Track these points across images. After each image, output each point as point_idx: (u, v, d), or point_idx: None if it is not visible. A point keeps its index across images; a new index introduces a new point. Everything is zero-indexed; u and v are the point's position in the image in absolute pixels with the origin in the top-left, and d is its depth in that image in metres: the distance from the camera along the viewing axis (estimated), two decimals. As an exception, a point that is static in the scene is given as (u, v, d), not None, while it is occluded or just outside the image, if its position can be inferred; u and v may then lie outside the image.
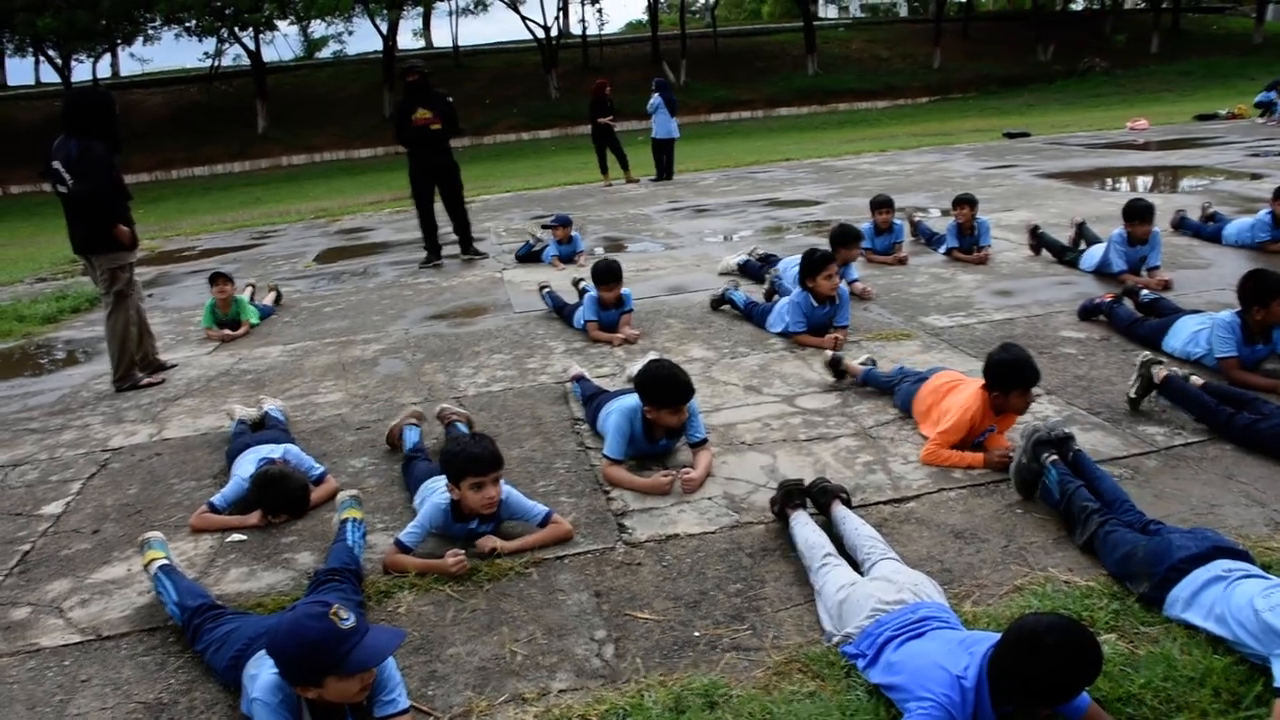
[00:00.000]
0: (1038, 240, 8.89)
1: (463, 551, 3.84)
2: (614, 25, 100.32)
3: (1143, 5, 53.61)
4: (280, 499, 4.45)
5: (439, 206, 11.13)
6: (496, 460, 3.94)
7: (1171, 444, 4.61)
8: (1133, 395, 5.01)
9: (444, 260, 11.24)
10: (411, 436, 5.10)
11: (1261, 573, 3.11)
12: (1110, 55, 45.72)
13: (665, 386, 4.52)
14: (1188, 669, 2.86)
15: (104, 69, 45.98)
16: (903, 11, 56.98)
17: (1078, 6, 53.88)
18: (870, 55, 48.53)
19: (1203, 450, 4.53)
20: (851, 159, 20.29)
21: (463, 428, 5.22)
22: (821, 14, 51.49)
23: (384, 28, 44.25)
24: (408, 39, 59.25)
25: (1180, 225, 9.44)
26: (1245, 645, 2.88)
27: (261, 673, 2.78)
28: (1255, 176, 12.95)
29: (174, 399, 6.73)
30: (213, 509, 4.49)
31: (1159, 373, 4.92)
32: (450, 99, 10.94)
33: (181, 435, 5.94)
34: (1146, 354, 5.12)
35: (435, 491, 4.12)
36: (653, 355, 5.70)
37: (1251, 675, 2.81)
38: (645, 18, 50.95)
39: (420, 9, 47.41)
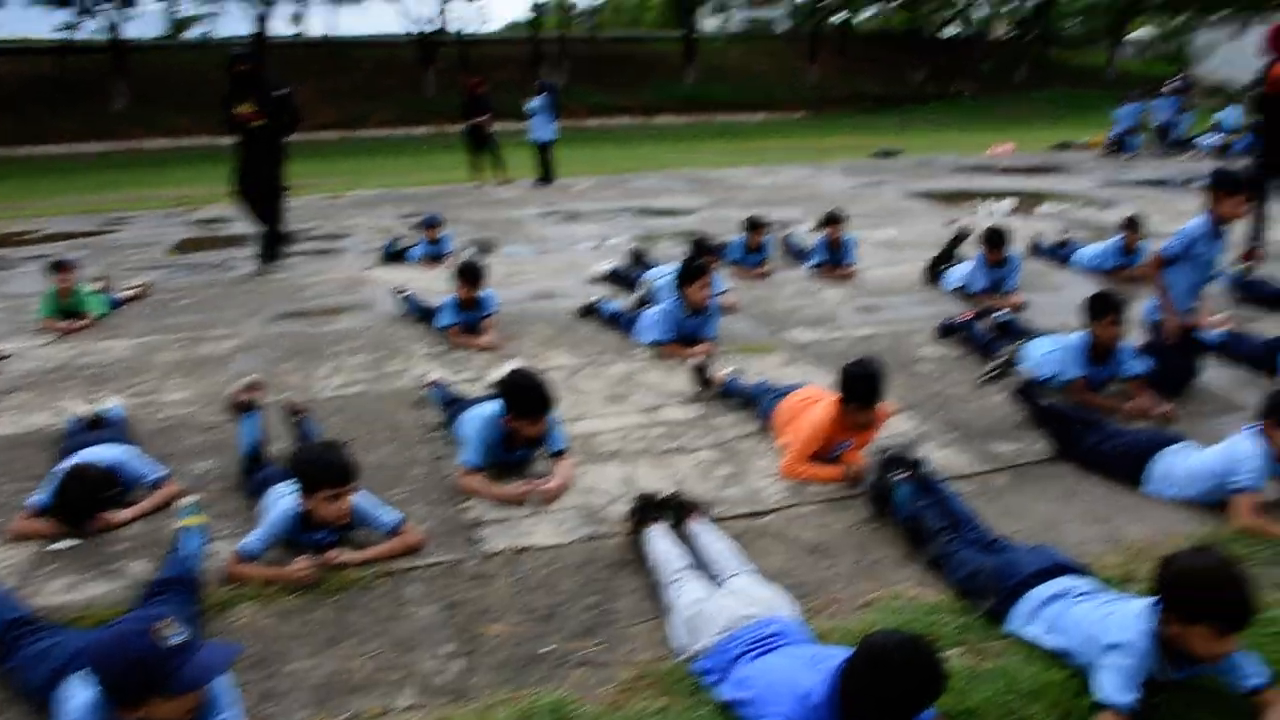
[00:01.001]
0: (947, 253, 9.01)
1: (310, 559, 3.72)
2: (495, 24, 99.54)
3: (1011, 35, 55.99)
4: (71, 503, 4.20)
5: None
6: (353, 471, 3.83)
7: (1019, 462, 4.78)
8: (985, 378, 5.17)
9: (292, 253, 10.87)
10: (249, 431, 4.76)
11: (1102, 590, 3.25)
12: (980, 81, 47.56)
13: (526, 396, 4.47)
14: (1027, 683, 2.96)
15: (-56, 35, 43.23)
16: (781, 27, 58.03)
17: (950, 33, 55.74)
18: (749, 68, 49.30)
19: (1048, 469, 4.72)
20: (726, 170, 20.55)
21: (313, 425, 5.04)
22: (702, 25, 51.97)
23: (257, 11, 42.91)
24: (282, 24, 57.44)
25: (1036, 250, 9.84)
26: (1080, 658, 3.00)
27: (80, 693, 2.62)
28: (1107, 205, 13.61)
29: (4, 393, 6.34)
30: (35, 511, 4.23)
31: (1018, 374, 5.10)
32: (286, 91, 10.01)
33: (8, 433, 5.60)
34: (1014, 345, 5.28)
35: (283, 498, 3.98)
36: (516, 362, 5.64)
37: (1085, 689, 2.92)
38: (528, 16, 50.72)
39: (294, -6, 46.13)
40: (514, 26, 59.77)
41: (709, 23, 54.68)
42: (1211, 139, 21.23)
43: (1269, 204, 9.51)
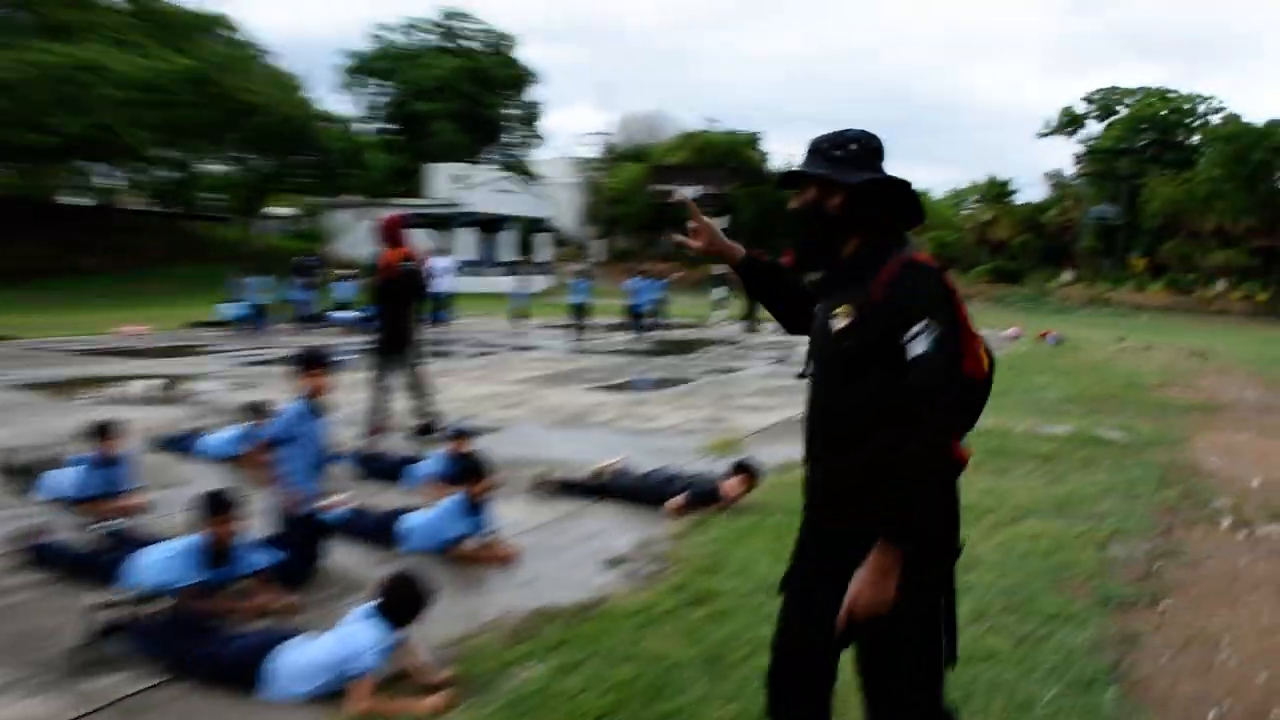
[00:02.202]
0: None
1: None
2: None
3: (149, 208, 56.04)
4: None
5: None
6: None
7: (128, 693, 4.47)
8: (78, 646, 4.79)
9: None
10: None
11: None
12: (112, 255, 46.52)
13: None
14: None
15: None
16: None
17: (74, 202, 53.73)
18: None
19: (161, 694, 4.47)
20: None
21: None
22: None
23: None
24: None
25: (165, 442, 9.58)
26: None
27: None
28: (243, 386, 13.98)
29: None
30: None
31: (100, 619, 4.83)
32: None
33: None
34: (94, 598, 4.99)
35: None
36: None
37: None
38: None
39: None
40: None
41: None
42: (345, 315, 23.41)
43: (389, 379, 10.51)
